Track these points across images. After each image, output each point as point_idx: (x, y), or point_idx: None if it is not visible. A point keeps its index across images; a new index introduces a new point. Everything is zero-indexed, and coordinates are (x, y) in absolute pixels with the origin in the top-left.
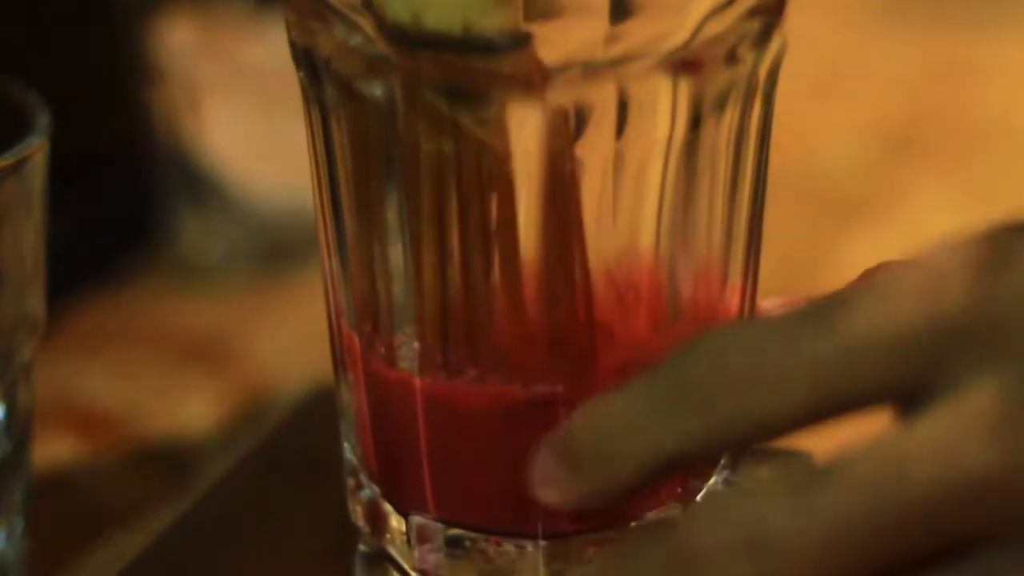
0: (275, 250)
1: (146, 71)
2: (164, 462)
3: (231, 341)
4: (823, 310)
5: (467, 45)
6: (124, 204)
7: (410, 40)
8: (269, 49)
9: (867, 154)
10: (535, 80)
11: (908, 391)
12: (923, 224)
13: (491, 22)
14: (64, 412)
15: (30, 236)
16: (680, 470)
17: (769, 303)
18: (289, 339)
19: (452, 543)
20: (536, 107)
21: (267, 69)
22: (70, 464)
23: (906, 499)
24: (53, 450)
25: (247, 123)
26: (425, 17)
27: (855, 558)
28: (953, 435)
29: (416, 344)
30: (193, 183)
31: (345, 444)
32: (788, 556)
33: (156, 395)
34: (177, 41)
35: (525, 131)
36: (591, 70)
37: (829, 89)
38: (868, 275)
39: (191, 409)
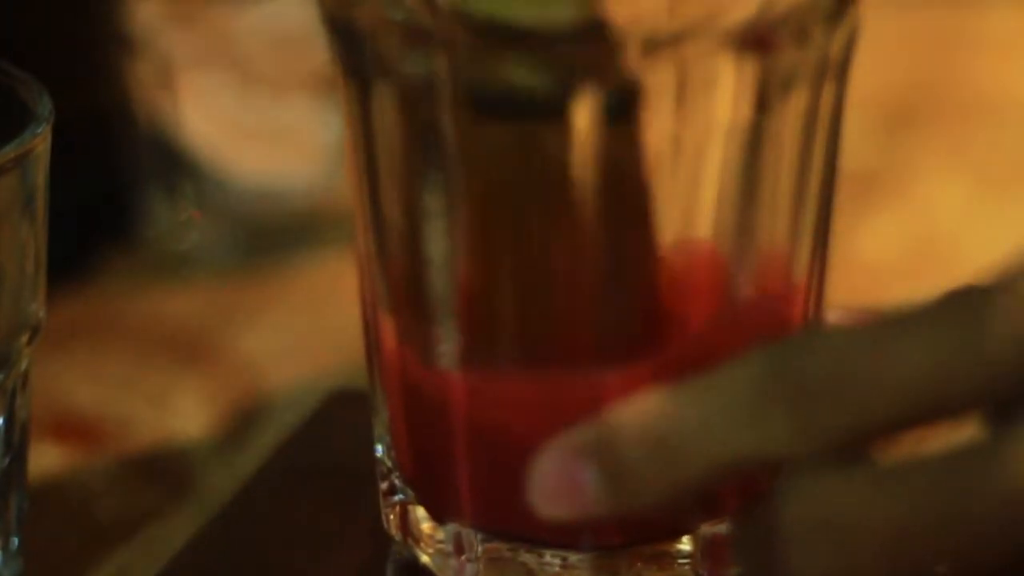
0: (258, 239)
1: (117, 44)
2: (157, 470)
3: (215, 338)
4: (918, 320)
5: (544, 36)
6: (94, 189)
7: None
8: (251, 21)
9: (868, 129)
10: (600, 62)
11: (1000, 402)
12: (932, 201)
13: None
14: (43, 416)
15: (32, 234)
16: (742, 478)
17: (834, 314)
18: (277, 335)
19: (490, 553)
20: (596, 88)
21: (249, 43)
22: (57, 474)
23: (977, 508)
24: (36, 458)
25: (227, 101)
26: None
27: (928, 551)
28: None
29: (456, 337)
30: (169, 166)
31: (378, 445)
32: (862, 540)
33: (140, 397)
34: (150, 11)
35: (585, 113)
36: (650, 47)
37: None
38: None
39: (180, 411)
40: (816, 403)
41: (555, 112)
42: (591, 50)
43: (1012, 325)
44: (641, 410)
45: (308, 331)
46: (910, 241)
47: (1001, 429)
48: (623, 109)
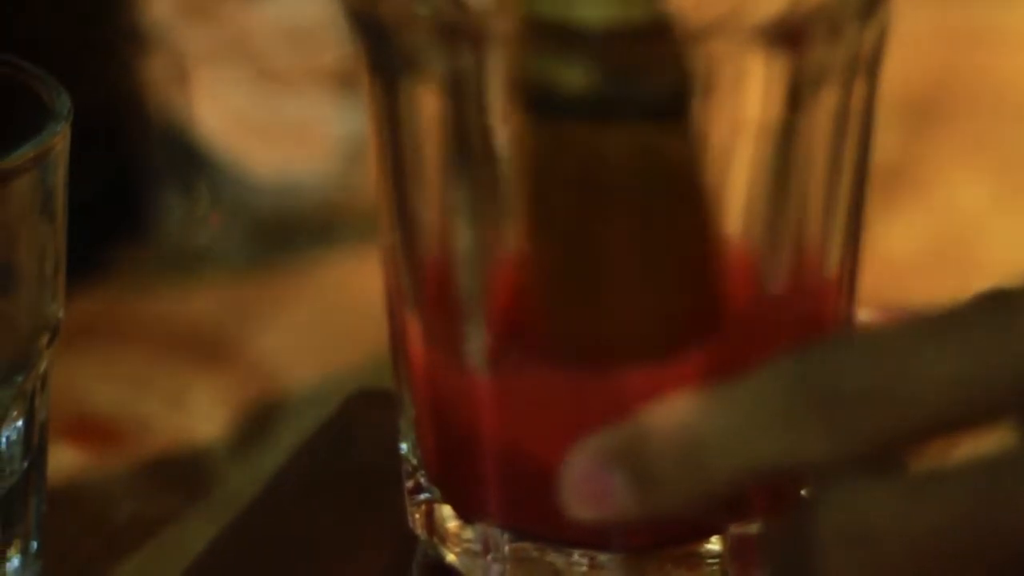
0: (274, 235)
1: (130, 39)
2: (175, 471)
3: (231, 336)
4: (948, 325)
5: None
6: (107, 186)
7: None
8: (266, 15)
9: (891, 125)
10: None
11: None
12: (956, 197)
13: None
14: (58, 417)
15: (51, 234)
16: (770, 483)
17: (866, 313)
18: (294, 333)
19: (518, 553)
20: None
21: (264, 37)
22: (74, 476)
23: (1013, 518)
24: (52, 460)
25: (242, 97)
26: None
27: (963, 561)
28: None
29: (484, 334)
30: (183, 163)
31: (403, 443)
32: (896, 549)
33: (156, 397)
34: (164, 6)
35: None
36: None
37: None
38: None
39: (197, 412)
40: (846, 411)
41: (595, 110)
42: (644, 46)
43: None
44: (670, 415)
45: (326, 329)
46: (934, 237)
47: None
48: (672, 105)
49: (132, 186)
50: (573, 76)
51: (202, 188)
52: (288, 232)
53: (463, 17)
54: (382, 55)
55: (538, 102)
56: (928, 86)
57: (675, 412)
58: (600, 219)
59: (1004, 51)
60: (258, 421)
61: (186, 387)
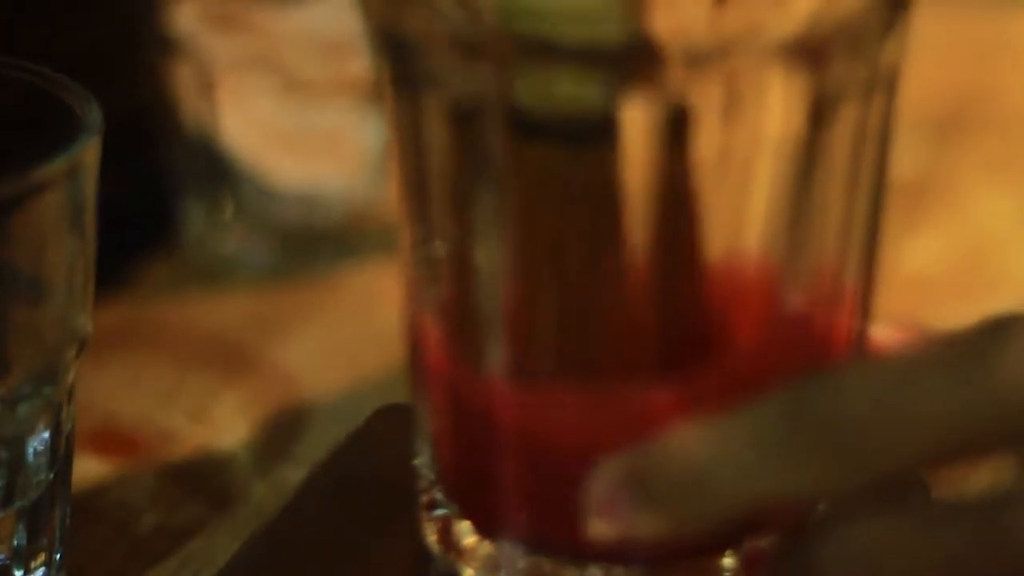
0: (299, 245)
1: (157, 48)
2: (199, 483)
3: (256, 348)
4: (947, 356)
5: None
6: (133, 195)
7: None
8: (293, 25)
9: (914, 140)
10: (649, 80)
11: None
12: (979, 213)
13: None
14: (82, 427)
15: (81, 248)
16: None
17: (881, 330)
18: (319, 345)
19: (534, 567)
20: (643, 106)
21: (291, 47)
22: (98, 486)
23: (1013, 554)
24: (76, 470)
25: (268, 106)
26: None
27: None
28: None
29: (505, 349)
30: (209, 172)
31: (420, 458)
32: None
33: (180, 408)
34: (191, 15)
35: (633, 131)
36: (697, 60)
37: None
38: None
39: (221, 423)
40: (840, 445)
41: (603, 130)
42: (639, 67)
43: None
44: (677, 444)
45: (350, 340)
46: (957, 253)
47: None
48: (673, 127)
49: (158, 196)
50: (568, 93)
51: (228, 198)
52: (314, 243)
53: (482, 34)
54: (404, 71)
55: (535, 124)
56: (952, 102)
57: (681, 441)
58: (595, 238)
59: (1018, 68)
60: (282, 433)
61: (211, 398)
